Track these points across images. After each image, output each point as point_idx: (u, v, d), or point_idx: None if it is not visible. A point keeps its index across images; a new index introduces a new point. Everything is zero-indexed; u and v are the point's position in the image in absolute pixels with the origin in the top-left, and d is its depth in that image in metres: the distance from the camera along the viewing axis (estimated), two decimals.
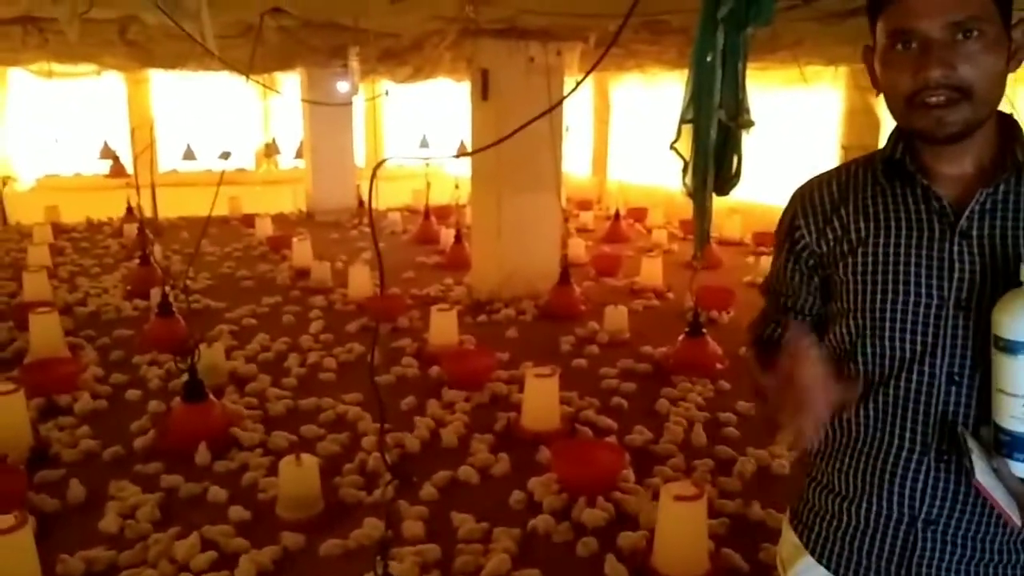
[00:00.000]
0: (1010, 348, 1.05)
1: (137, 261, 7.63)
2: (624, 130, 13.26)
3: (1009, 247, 1.15)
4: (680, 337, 5.44)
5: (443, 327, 5.71)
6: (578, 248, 8.88)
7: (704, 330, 5.41)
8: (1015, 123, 1.23)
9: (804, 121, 9.72)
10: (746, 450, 4.13)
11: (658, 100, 11.54)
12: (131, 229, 9.47)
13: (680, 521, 3.09)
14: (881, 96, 1.21)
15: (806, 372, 1.15)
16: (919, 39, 1.11)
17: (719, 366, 5.25)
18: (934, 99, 1.11)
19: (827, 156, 8.74)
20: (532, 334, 6.17)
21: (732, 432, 4.39)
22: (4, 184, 11.64)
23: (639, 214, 11.58)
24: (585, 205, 12.43)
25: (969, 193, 1.18)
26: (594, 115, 13.77)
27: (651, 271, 7.69)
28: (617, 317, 6.18)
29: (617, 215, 10.66)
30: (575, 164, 13.48)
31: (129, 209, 10.34)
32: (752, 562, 3.17)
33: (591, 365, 5.46)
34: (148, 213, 8.83)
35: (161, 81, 14.10)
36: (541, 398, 4.41)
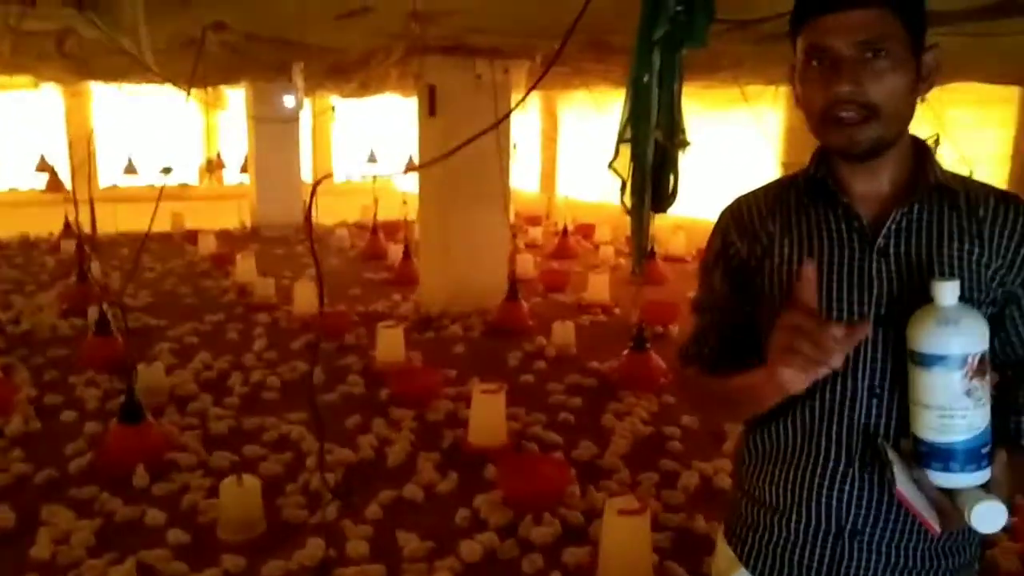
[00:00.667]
0: (923, 361, 1.09)
1: (74, 278, 7.42)
2: (572, 147, 13.40)
3: (924, 264, 1.20)
4: (625, 352, 5.49)
5: (390, 344, 5.67)
6: (527, 264, 8.92)
7: (649, 345, 5.47)
8: (927, 146, 1.29)
9: (746, 139, 9.95)
10: (691, 463, 4.18)
11: (605, 118, 11.69)
12: (69, 245, 9.23)
13: (624, 535, 3.11)
14: None
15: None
16: (830, 56, 1.16)
17: (664, 380, 5.31)
18: (845, 114, 1.16)
19: (768, 173, 8.95)
20: (480, 350, 6.16)
21: (676, 446, 4.44)
22: None
23: (587, 230, 11.69)
24: (534, 221, 12.50)
25: (885, 212, 1.23)
26: (542, 132, 13.88)
27: (598, 287, 7.76)
28: (564, 332, 6.21)
29: (565, 231, 10.75)
30: (524, 181, 13.56)
31: (67, 224, 10.07)
32: (696, 575, 3.21)
33: (538, 380, 5.48)
34: (87, 229, 8.61)
35: (101, 94, 13.81)
36: (488, 415, 4.40)
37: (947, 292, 1.09)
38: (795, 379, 1.13)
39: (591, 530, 3.50)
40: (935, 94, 1.32)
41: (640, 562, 3.12)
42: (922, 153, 1.27)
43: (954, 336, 1.07)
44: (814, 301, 1.13)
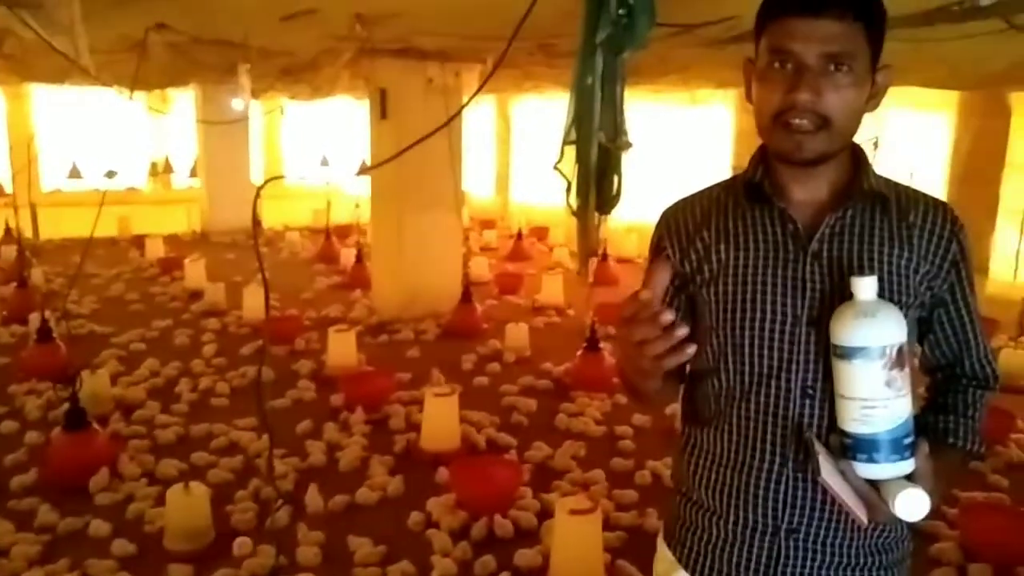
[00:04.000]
0: (844, 354, 1.13)
1: (14, 285, 7.22)
2: (525, 150, 13.44)
3: (855, 267, 1.23)
4: (578, 353, 5.53)
5: (341, 348, 5.63)
6: (481, 267, 8.93)
7: (602, 345, 5.52)
8: (863, 154, 1.32)
9: (697, 141, 10.09)
10: (643, 462, 4.22)
11: (557, 120, 11.74)
12: (9, 251, 8.97)
13: (575, 535, 3.13)
14: None
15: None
16: (794, 61, 1.17)
17: (616, 380, 5.35)
18: (797, 121, 1.18)
19: (719, 175, 9.08)
20: (434, 353, 6.15)
21: (628, 445, 4.49)
22: None
23: (541, 233, 11.73)
24: (488, 224, 12.50)
25: (821, 217, 1.26)
26: (496, 135, 13.91)
27: (552, 289, 7.79)
28: (519, 335, 6.22)
29: (519, 234, 10.77)
30: (478, 184, 13.56)
31: (7, 230, 9.80)
32: (647, 573, 3.24)
33: (492, 383, 5.49)
34: (28, 234, 8.38)
35: (44, 96, 13.45)
36: (441, 418, 4.40)
37: (865, 287, 1.13)
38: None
39: (543, 531, 3.51)
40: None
41: (592, 561, 3.14)
42: (858, 159, 1.30)
43: (872, 328, 1.11)
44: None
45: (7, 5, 2.69)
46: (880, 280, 1.16)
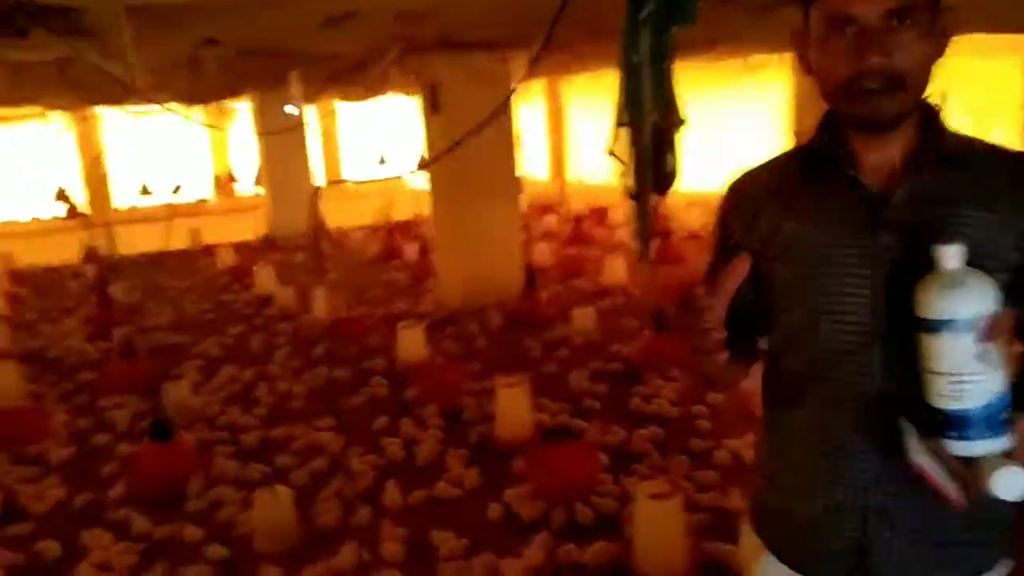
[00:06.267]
0: (931, 327, 1.07)
1: (97, 302, 7.51)
2: (580, 131, 13.34)
3: (936, 233, 1.15)
4: (647, 333, 5.46)
5: (411, 343, 5.68)
6: (542, 252, 8.91)
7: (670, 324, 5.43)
8: (936, 112, 1.23)
9: (755, 110, 9.84)
10: (723, 442, 4.15)
11: (610, 100, 11.62)
12: (90, 270, 9.34)
13: (657, 519, 3.10)
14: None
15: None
16: (856, 25, 1.11)
17: (688, 360, 5.27)
18: (870, 86, 1.12)
19: (779, 143, 8.85)
20: (501, 343, 6.16)
21: (705, 424, 4.42)
22: None
23: (601, 214, 11.63)
24: (547, 209, 12.46)
25: (895, 182, 1.19)
26: (548, 119, 13.83)
27: (616, 270, 7.73)
28: (585, 319, 6.19)
29: (579, 217, 10.70)
30: (534, 169, 13.52)
31: (87, 249, 10.19)
32: (734, 552, 3.18)
33: (562, 369, 5.47)
34: (106, 252, 8.72)
35: (111, 118, 13.93)
36: (513, 407, 4.40)
37: (950, 256, 1.07)
38: None
39: (624, 516, 3.49)
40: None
41: (675, 545, 3.10)
42: (931, 118, 1.22)
43: (960, 299, 1.05)
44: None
45: (61, 35, 2.77)
46: (965, 247, 1.10)
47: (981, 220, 1.16)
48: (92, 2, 2.72)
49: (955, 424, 1.07)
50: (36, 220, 14.34)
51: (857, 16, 1.11)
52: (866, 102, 1.13)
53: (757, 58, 8.35)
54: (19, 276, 10.05)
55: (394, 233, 10.16)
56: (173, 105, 4.93)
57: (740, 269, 1.13)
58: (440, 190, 7.18)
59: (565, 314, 6.41)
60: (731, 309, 1.39)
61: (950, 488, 1.08)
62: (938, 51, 1.17)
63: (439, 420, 4.68)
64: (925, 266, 1.11)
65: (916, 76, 1.13)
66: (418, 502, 3.78)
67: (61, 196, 12.98)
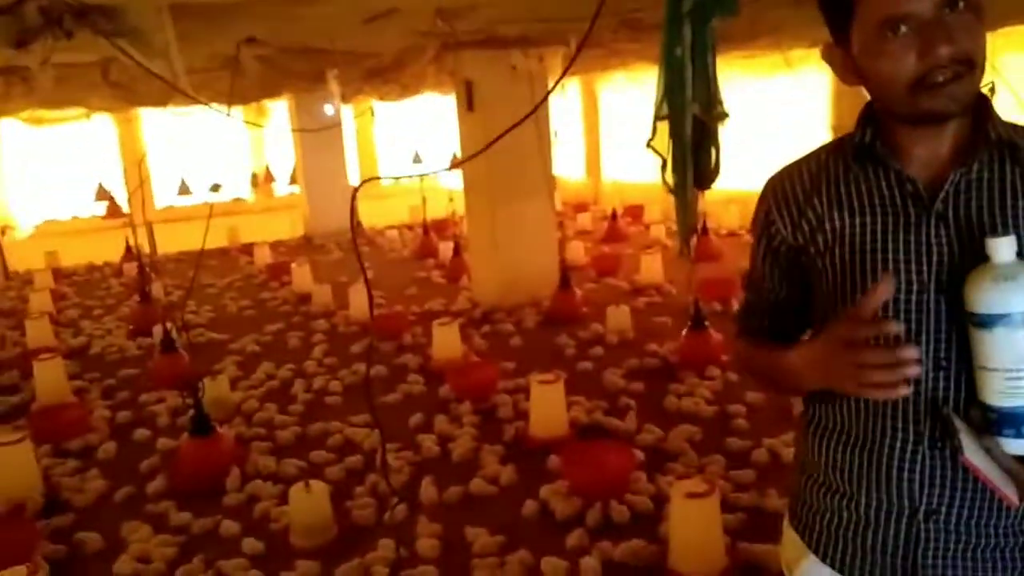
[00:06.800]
0: (983, 323, 1.04)
1: (138, 299, 7.64)
2: (615, 129, 13.27)
3: (986, 225, 1.12)
4: (684, 332, 5.41)
5: (446, 341, 5.69)
6: (577, 250, 8.88)
7: (707, 323, 5.39)
8: (987, 100, 1.20)
9: (793, 106, 9.71)
10: (761, 441, 4.10)
11: (646, 96, 11.54)
12: (131, 268, 9.50)
13: (693, 518, 3.06)
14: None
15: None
16: (912, 22, 1.08)
17: (725, 358, 5.22)
18: (942, 77, 1.09)
19: (817, 139, 8.72)
20: (536, 341, 6.15)
21: (742, 424, 4.37)
22: (3, 233, 11.69)
23: (636, 212, 11.57)
24: (581, 207, 12.42)
25: (943, 174, 1.16)
26: (583, 117, 13.78)
27: (651, 268, 7.67)
28: (620, 317, 6.16)
29: (614, 215, 10.65)
30: (568, 167, 13.48)
31: (128, 248, 10.37)
32: (771, 553, 3.14)
33: (597, 367, 5.44)
34: (146, 250, 8.86)
35: (151, 118, 14.16)
36: (548, 405, 4.39)
37: (1003, 248, 1.04)
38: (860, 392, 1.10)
39: (660, 515, 3.46)
40: (989, 39, 1.24)
41: (712, 544, 3.07)
42: (980, 107, 1.18)
43: (1014, 293, 1.01)
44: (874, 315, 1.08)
45: (106, 35, 2.82)
46: (1018, 238, 1.06)
47: None
48: (134, 1, 2.76)
49: (1011, 421, 1.04)
50: (76, 219, 14.63)
51: (913, 14, 1.08)
52: (940, 95, 1.10)
53: (795, 53, 8.22)
54: (63, 274, 10.26)
55: (429, 232, 10.19)
56: (215, 105, 4.99)
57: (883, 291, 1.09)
58: (474, 188, 7.19)
59: (600, 312, 6.38)
60: (767, 304, 1.38)
61: (1004, 488, 1.05)
62: (984, 28, 1.14)
63: (474, 417, 4.69)
64: (977, 259, 1.08)
65: (981, 57, 1.11)
66: (453, 499, 3.79)
67: (102, 195, 13.22)
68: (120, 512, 3.89)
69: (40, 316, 7.05)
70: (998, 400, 1.04)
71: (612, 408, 4.72)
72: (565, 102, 13.00)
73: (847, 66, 1.21)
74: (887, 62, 1.12)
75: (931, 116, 1.14)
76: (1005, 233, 1.06)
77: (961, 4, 1.08)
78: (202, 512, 3.80)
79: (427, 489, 3.82)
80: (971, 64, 1.09)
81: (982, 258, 1.07)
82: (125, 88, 6.44)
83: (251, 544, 3.49)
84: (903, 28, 1.09)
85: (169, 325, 5.87)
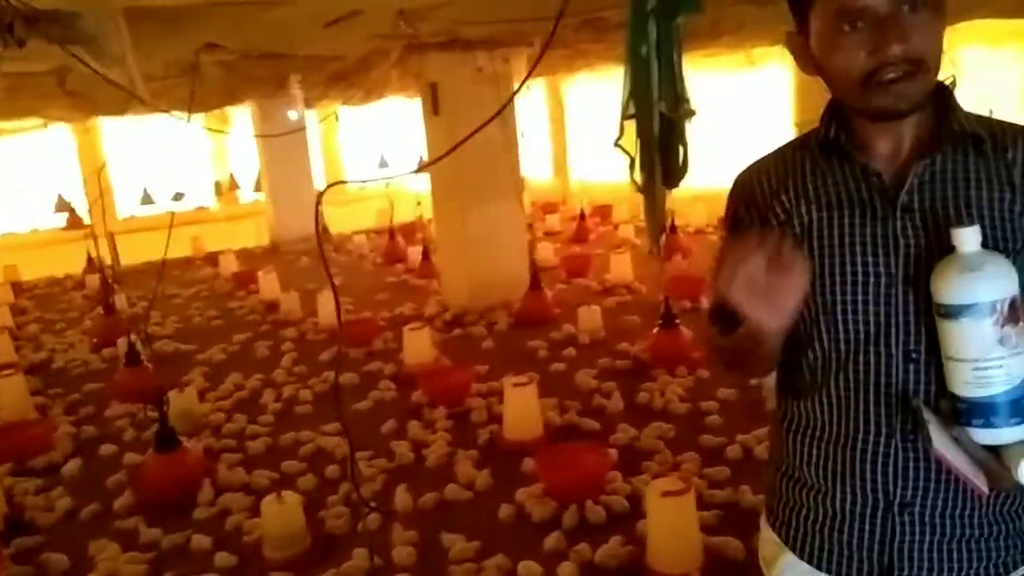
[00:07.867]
0: (950, 313, 1.04)
1: (101, 312, 7.49)
2: (581, 129, 13.31)
3: (951, 216, 1.13)
4: (655, 330, 5.43)
5: (417, 346, 5.65)
6: (547, 252, 8.88)
7: (678, 321, 5.41)
8: (949, 92, 1.20)
9: (756, 103, 9.81)
10: (735, 437, 4.11)
11: (612, 96, 11.58)
12: (93, 280, 9.32)
13: (670, 517, 3.07)
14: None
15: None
16: (868, 17, 1.08)
17: (696, 355, 5.24)
18: (893, 75, 1.09)
19: (781, 135, 8.80)
20: (508, 343, 6.13)
21: (715, 420, 4.38)
22: None
23: (604, 212, 11.61)
24: (550, 208, 12.43)
25: (908, 166, 1.16)
26: (549, 117, 13.80)
27: (621, 267, 7.69)
28: (591, 317, 6.16)
29: (583, 215, 10.67)
30: (536, 168, 13.49)
31: (89, 259, 10.17)
32: (748, 549, 3.15)
33: (570, 368, 5.43)
34: (109, 262, 8.70)
35: (111, 127, 13.92)
36: (521, 408, 4.37)
37: (967, 238, 1.04)
38: (759, 313, 1.14)
39: (637, 514, 3.46)
40: (948, 33, 1.25)
41: (689, 542, 3.07)
42: (943, 99, 1.19)
43: (979, 282, 1.02)
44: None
45: (61, 43, 2.75)
46: (982, 228, 1.06)
47: (999, 200, 1.13)
48: (87, 4, 2.69)
49: (979, 411, 1.04)
50: (36, 231, 14.34)
51: (869, 8, 1.08)
52: (888, 93, 1.10)
53: (758, 51, 8.30)
54: (22, 288, 10.03)
55: (395, 236, 10.13)
56: (176, 112, 4.91)
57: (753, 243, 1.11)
58: (442, 192, 7.15)
59: (571, 313, 6.38)
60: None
61: (975, 478, 1.05)
62: (944, 27, 1.14)
63: (447, 422, 4.65)
64: (944, 250, 1.08)
65: (934, 58, 1.11)
66: (429, 505, 3.75)
67: (62, 206, 12.97)
68: (87, 530, 3.80)
69: None
70: (966, 390, 1.05)
71: (586, 408, 4.71)
72: (531, 103, 13.00)
73: (807, 56, 1.20)
74: (840, 56, 1.12)
75: (881, 113, 1.15)
76: (969, 222, 1.07)
77: (920, 2, 1.08)
78: (172, 527, 3.72)
79: (402, 496, 3.78)
80: (922, 65, 1.09)
81: (949, 249, 1.07)
82: (83, 97, 6.32)
83: (223, 558, 3.43)
84: (859, 23, 1.09)
85: (133, 337, 5.76)
